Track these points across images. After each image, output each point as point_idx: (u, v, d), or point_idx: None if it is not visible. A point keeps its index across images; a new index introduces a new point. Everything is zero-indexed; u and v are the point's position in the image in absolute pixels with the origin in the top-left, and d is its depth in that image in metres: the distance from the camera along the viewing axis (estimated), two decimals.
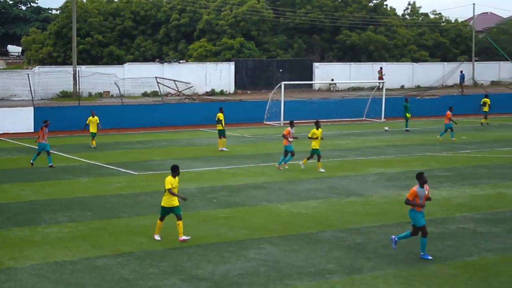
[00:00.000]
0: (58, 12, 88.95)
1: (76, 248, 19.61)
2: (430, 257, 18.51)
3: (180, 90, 64.03)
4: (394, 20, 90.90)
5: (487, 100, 53.39)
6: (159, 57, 79.67)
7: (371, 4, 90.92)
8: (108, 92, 67.36)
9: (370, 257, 18.74)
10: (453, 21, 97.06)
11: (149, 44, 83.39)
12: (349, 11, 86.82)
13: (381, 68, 78.54)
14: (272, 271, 17.63)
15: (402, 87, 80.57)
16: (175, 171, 20.48)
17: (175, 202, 20.09)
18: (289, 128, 32.62)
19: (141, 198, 26.41)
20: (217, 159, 35.78)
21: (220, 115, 39.02)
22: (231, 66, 74.81)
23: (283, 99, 53.61)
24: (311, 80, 76.50)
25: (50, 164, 33.13)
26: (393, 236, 19.14)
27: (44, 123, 33.95)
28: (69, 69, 66.47)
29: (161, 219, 20.40)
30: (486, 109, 52.94)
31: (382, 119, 54.84)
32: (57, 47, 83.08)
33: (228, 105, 51.56)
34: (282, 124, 52.23)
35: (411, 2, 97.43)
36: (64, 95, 66.13)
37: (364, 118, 56.17)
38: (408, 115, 48.92)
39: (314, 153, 31.86)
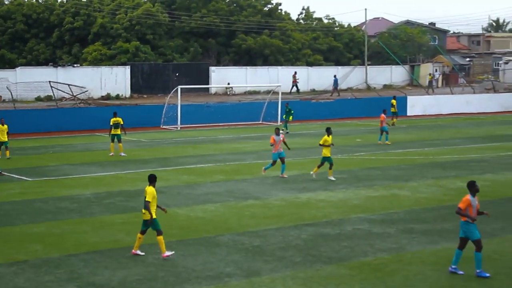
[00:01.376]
0: None
1: None
2: (487, 274, 17.30)
3: (74, 95, 63.01)
4: (289, 24, 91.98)
5: (394, 101, 55.10)
6: (53, 61, 78.16)
7: (266, 8, 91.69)
8: (0, 96, 65.74)
9: (268, 259, 18.87)
10: (346, 26, 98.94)
11: (42, 47, 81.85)
12: (244, 15, 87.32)
13: (295, 72, 79.25)
14: (171, 275, 17.55)
15: (298, 91, 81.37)
16: (154, 180, 19.11)
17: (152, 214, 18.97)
18: (273, 136, 31.99)
19: (36, 205, 25.85)
20: (114, 164, 35.38)
21: (120, 119, 38.58)
22: (127, 70, 74.13)
23: (180, 103, 53.47)
24: (208, 84, 76.52)
25: None
26: (451, 268, 17.72)
27: None
28: None
29: (142, 232, 19.26)
30: (393, 110, 54.70)
31: (279, 123, 55.28)
32: None
33: (124, 109, 51.17)
34: (179, 128, 52.10)
35: (305, 7, 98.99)
36: None
37: (260, 122, 56.51)
38: (290, 118, 49.98)
39: (326, 160, 30.91)
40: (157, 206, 19.16)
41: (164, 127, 53.01)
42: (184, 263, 18.53)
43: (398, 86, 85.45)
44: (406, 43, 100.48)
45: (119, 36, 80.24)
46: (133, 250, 19.31)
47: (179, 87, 54.37)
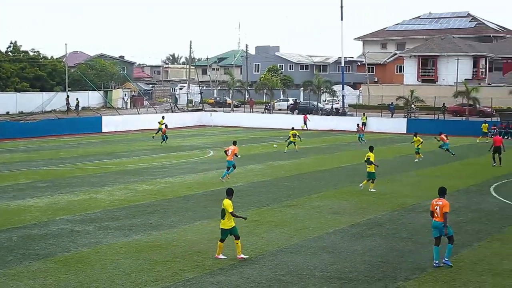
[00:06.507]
0: None
1: None
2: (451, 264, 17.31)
3: None
4: None
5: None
6: None
7: None
8: None
9: None
10: (49, 58, 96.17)
11: None
12: None
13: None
14: None
15: (8, 113, 77.27)
16: (231, 194, 18.04)
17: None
18: None
19: None
20: None
21: None
22: None
23: None
24: None
25: None
26: (445, 261, 17.27)
27: None
28: None
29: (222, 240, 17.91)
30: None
31: None
32: None
33: None
34: None
35: (13, 41, 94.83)
36: None
37: None
38: None
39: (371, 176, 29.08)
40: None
41: None
42: None
43: (95, 108, 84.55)
44: (100, 73, 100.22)
45: None
46: (216, 255, 18.02)
47: None
